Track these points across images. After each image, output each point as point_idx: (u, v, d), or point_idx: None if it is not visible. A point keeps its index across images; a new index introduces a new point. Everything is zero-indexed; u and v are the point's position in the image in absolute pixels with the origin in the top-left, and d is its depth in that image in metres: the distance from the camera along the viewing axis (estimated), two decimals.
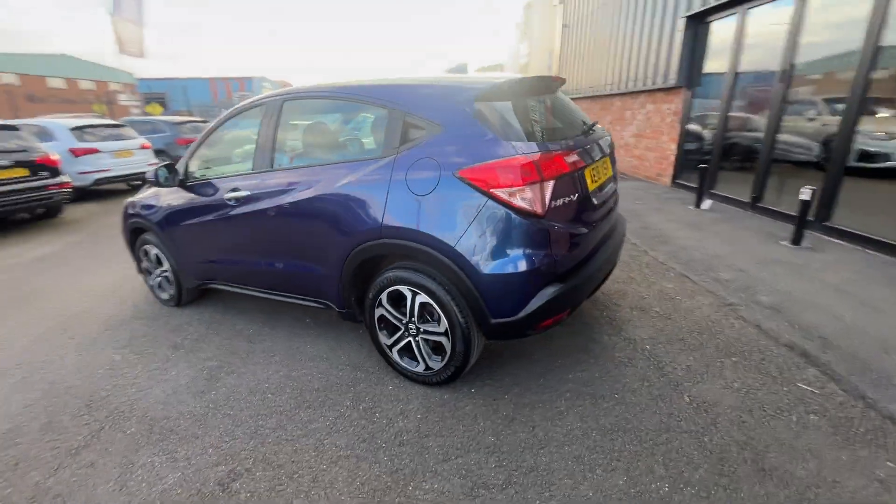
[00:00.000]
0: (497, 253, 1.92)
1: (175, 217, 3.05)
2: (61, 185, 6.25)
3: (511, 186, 1.87)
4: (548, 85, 2.47)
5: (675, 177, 7.31)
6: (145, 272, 3.59)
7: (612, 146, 2.73)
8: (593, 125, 2.55)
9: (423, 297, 2.13)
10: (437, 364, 2.25)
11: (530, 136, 1.98)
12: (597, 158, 2.38)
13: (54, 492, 1.78)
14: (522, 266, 1.91)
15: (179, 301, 3.44)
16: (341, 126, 2.92)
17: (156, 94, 35.62)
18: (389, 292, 2.23)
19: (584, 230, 2.18)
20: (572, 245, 2.09)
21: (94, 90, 39.84)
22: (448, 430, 2.03)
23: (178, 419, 2.18)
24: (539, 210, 1.90)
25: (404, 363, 2.36)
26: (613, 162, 2.75)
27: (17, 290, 3.93)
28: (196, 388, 2.42)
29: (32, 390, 2.46)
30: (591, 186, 2.27)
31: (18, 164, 5.68)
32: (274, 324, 3.11)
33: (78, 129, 7.97)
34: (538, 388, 2.29)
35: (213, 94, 43.55)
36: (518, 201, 1.87)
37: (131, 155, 8.49)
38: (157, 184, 2.94)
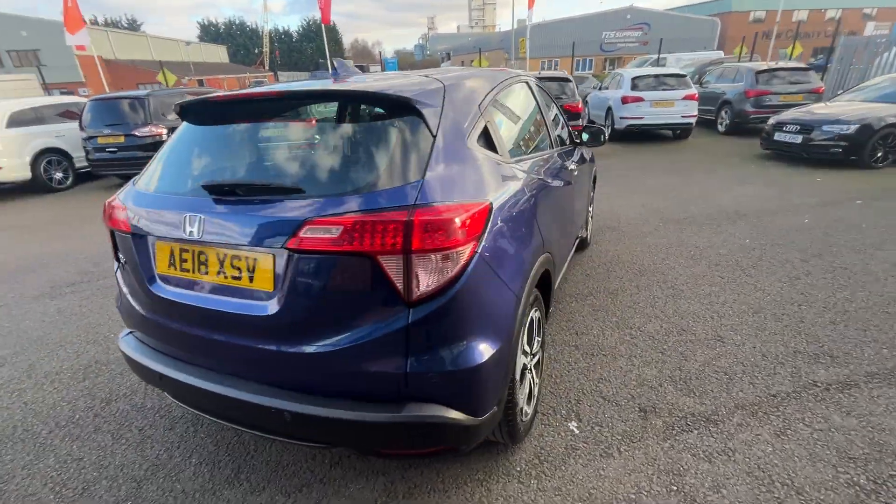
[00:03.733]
0: None
1: None
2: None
3: None
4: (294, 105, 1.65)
5: None
6: None
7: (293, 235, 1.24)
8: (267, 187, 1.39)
9: None
10: None
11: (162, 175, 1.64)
12: (201, 238, 1.34)
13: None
14: None
15: None
16: None
17: None
18: None
19: (156, 316, 1.54)
20: (144, 315, 1.57)
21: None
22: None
23: None
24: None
25: None
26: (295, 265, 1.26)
27: None
28: None
29: None
30: (170, 269, 1.45)
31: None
32: None
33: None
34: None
35: None
36: None
37: (671, 105, 8.12)
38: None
